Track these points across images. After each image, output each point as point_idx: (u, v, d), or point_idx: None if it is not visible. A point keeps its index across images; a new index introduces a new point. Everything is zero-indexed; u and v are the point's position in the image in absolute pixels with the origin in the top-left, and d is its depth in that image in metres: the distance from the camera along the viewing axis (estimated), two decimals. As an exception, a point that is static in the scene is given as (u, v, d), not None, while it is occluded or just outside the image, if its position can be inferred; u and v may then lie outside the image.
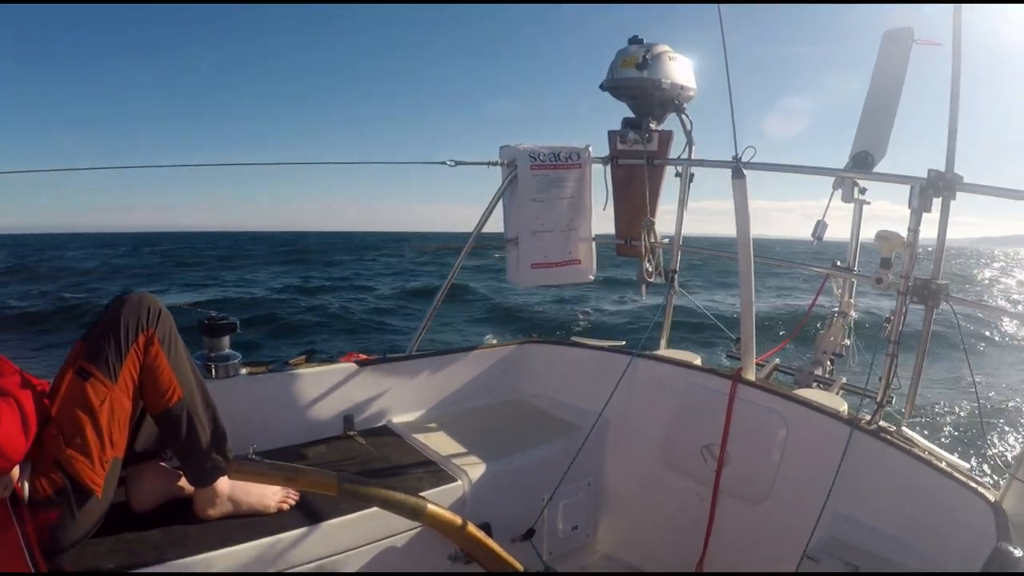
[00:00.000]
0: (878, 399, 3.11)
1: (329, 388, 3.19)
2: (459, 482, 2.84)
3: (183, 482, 2.40)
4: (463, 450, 3.11)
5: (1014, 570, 1.66)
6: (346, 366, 3.24)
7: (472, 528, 2.64)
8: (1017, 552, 1.67)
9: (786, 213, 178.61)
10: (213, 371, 2.89)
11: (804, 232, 3.65)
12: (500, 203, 3.69)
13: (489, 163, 3.68)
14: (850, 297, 4.14)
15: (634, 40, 3.62)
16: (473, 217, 3.74)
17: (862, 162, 3.37)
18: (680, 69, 3.62)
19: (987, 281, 41.20)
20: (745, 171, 3.08)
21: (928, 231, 2.92)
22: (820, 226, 3.98)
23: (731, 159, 3.09)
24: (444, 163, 3.53)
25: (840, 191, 3.70)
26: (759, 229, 3.35)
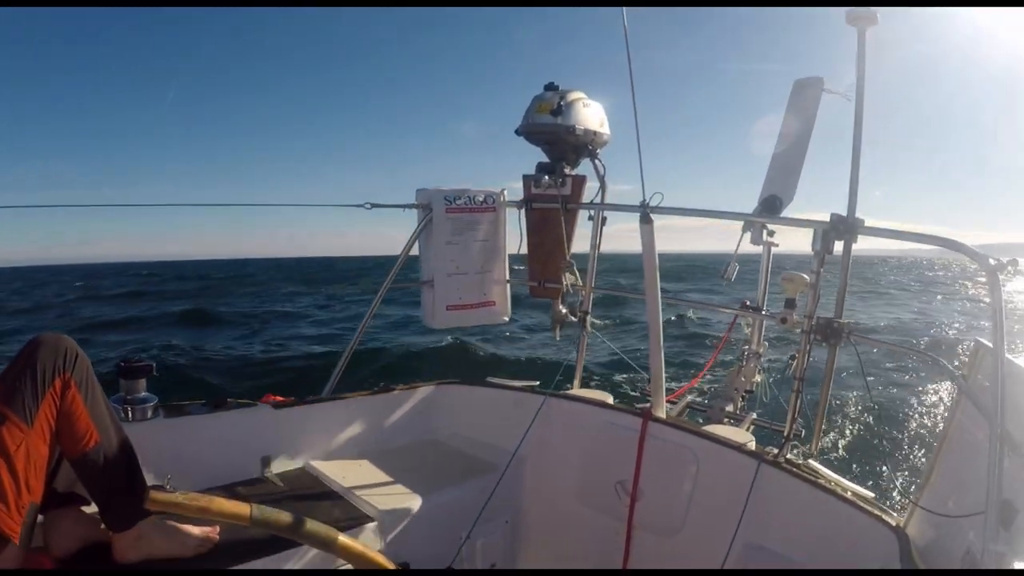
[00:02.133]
0: (784, 433, 3.30)
1: (246, 430, 3.21)
2: (376, 522, 2.88)
3: (102, 527, 2.40)
4: (381, 490, 3.15)
5: None
6: (263, 408, 3.27)
7: (384, 560, 2.64)
8: None
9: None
10: (129, 414, 2.90)
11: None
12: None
13: (405, 206, 3.81)
14: (760, 337, 4.41)
15: (550, 87, 3.76)
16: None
17: (770, 206, 3.56)
18: (593, 115, 3.77)
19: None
20: (653, 216, 3.22)
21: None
22: (731, 266, 4.25)
23: (639, 204, 3.21)
24: (362, 206, 3.64)
25: (750, 233, 3.92)
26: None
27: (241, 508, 2.29)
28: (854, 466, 8.53)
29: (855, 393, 9.39)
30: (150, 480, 2.41)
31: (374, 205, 3.67)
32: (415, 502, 3.08)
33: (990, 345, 2.35)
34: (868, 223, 3.04)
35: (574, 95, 3.72)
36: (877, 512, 2.65)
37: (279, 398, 3.46)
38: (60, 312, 32.97)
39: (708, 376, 4.54)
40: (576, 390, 4.10)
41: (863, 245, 3.07)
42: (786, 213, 3.57)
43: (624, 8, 3.07)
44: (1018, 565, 1.80)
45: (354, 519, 2.89)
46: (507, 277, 4.04)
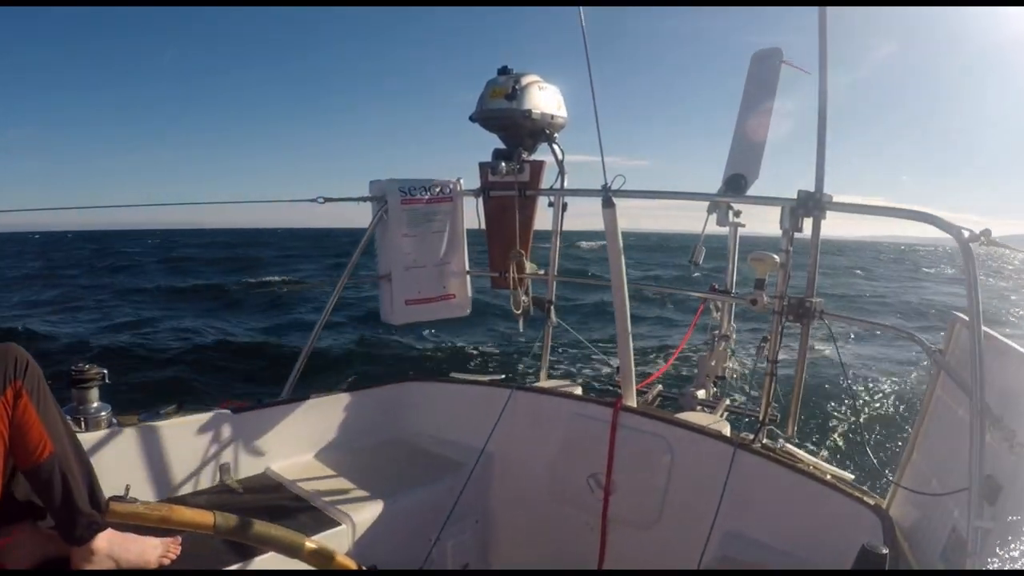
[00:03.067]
0: (760, 418, 3.31)
1: (204, 437, 3.18)
2: (343, 526, 2.88)
3: (59, 541, 2.35)
4: (346, 493, 3.14)
5: (879, 567, 1.83)
6: (221, 413, 3.23)
7: (353, 563, 2.63)
8: (883, 550, 1.83)
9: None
10: (83, 423, 2.86)
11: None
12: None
13: (359, 199, 3.76)
14: (730, 320, 4.40)
15: (503, 70, 3.72)
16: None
17: (735, 185, 3.56)
18: (549, 98, 3.73)
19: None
20: (616, 200, 3.21)
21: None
22: (698, 250, 4.23)
23: (601, 188, 3.20)
24: (314, 200, 3.61)
25: (716, 215, 3.93)
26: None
27: (204, 517, 2.27)
28: (832, 448, 8.59)
29: (830, 373, 9.46)
30: (108, 491, 2.33)
31: (327, 199, 3.65)
32: (382, 504, 3.06)
33: (967, 319, 2.34)
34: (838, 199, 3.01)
35: (529, 78, 3.68)
36: (858, 494, 2.66)
37: (237, 402, 3.43)
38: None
39: (678, 363, 4.44)
40: (543, 382, 4.09)
41: (896, 231, 3.02)
42: (753, 191, 3.57)
43: (581, 8, 3.08)
44: (1005, 545, 1.80)
45: (320, 523, 2.86)
46: (467, 268, 4.02)
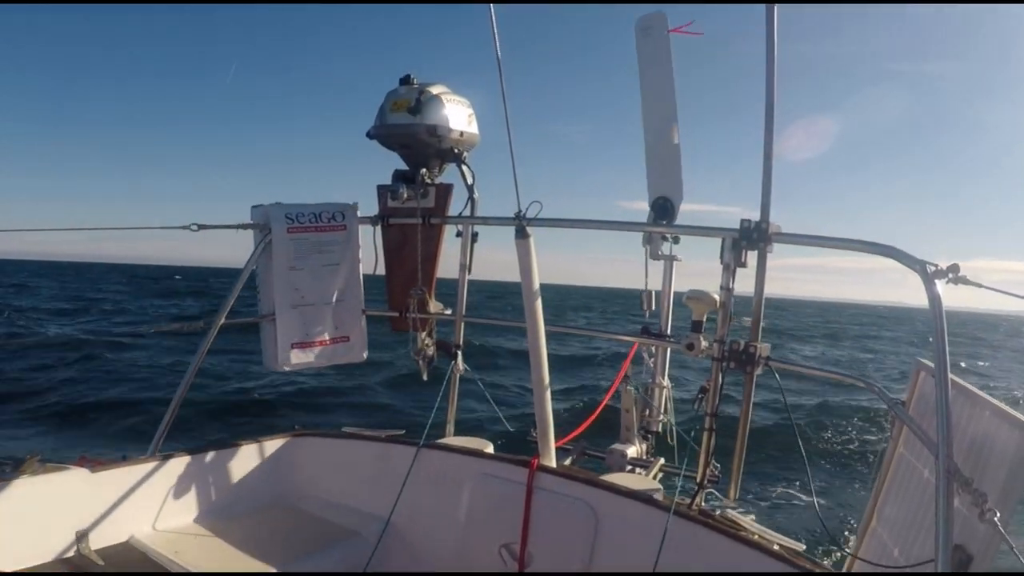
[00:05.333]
0: (698, 479, 3.18)
1: (57, 499, 2.94)
2: None
3: None
4: (224, 566, 2.99)
5: None
6: (77, 472, 3.01)
7: None
8: None
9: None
10: None
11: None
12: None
13: (238, 226, 3.57)
14: (665, 367, 4.24)
15: (405, 80, 3.58)
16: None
17: (662, 211, 3.46)
18: (459, 112, 3.60)
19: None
20: (530, 229, 3.09)
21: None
22: (646, 294, 4.05)
23: (513, 216, 3.07)
24: (188, 227, 3.47)
25: (649, 247, 3.84)
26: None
27: None
28: (781, 512, 8.41)
29: (779, 426, 9.37)
30: None
31: (201, 226, 3.53)
32: None
33: (931, 364, 2.33)
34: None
35: (435, 89, 3.58)
36: (810, 566, 2.53)
37: (96, 459, 3.23)
38: None
39: (607, 414, 4.40)
40: (450, 438, 3.95)
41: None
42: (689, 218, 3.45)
43: (491, 4, 3.01)
44: None
45: None
46: (363, 307, 3.84)
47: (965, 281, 2.32)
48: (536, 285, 3.17)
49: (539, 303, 3.20)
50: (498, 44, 2.97)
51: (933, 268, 2.29)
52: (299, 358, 3.67)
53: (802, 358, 25.87)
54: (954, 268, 2.28)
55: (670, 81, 3.50)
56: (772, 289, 3.12)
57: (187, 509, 3.39)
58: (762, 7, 2.89)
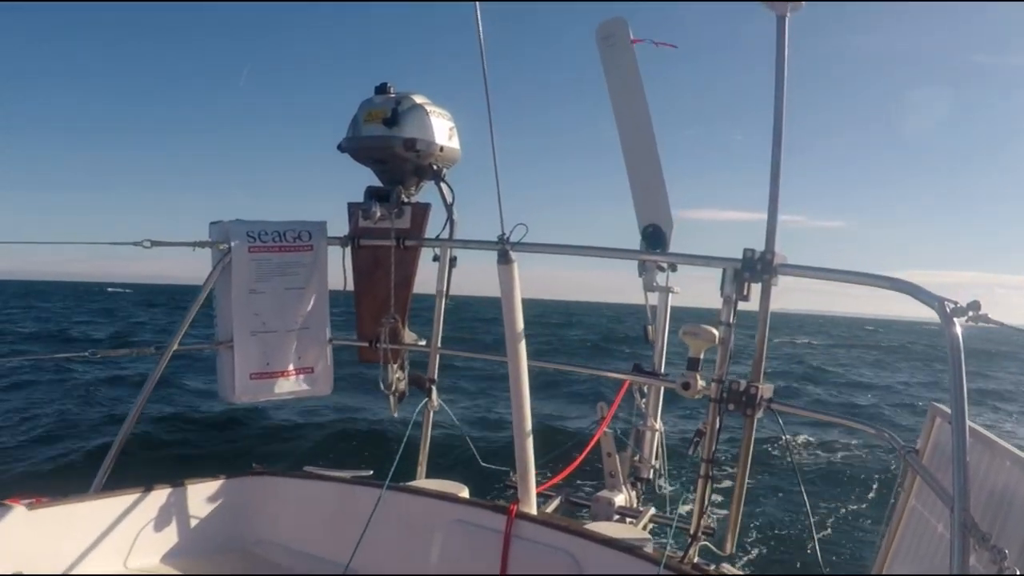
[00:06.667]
0: (691, 531, 3.08)
1: None
2: None
3: None
4: None
5: None
6: (11, 509, 2.94)
7: None
8: None
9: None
10: None
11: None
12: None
13: (195, 243, 3.48)
14: (658, 408, 4.11)
15: (381, 89, 3.47)
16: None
17: (653, 240, 3.41)
18: (440, 125, 3.50)
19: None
20: (514, 253, 2.99)
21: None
22: (652, 329, 4.00)
23: (497, 239, 2.98)
24: (140, 244, 3.38)
25: (644, 278, 3.74)
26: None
27: None
28: (781, 567, 8.23)
29: (780, 472, 9.21)
30: None
31: (154, 243, 3.40)
32: None
33: (947, 410, 2.28)
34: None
35: (415, 99, 3.49)
36: None
37: (33, 496, 3.11)
38: None
39: (594, 458, 4.25)
40: (421, 480, 3.83)
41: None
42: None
43: (477, 3, 2.91)
44: None
45: None
46: (329, 336, 3.75)
47: (986, 320, 2.26)
48: (519, 316, 3.09)
49: (522, 335, 3.11)
50: (483, 46, 2.86)
51: (952, 305, 2.23)
52: (258, 390, 3.59)
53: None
54: (975, 306, 2.23)
55: (641, 94, 3.50)
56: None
57: (131, 552, 3.28)
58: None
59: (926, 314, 2.36)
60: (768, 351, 2.99)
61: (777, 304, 2.94)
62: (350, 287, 3.80)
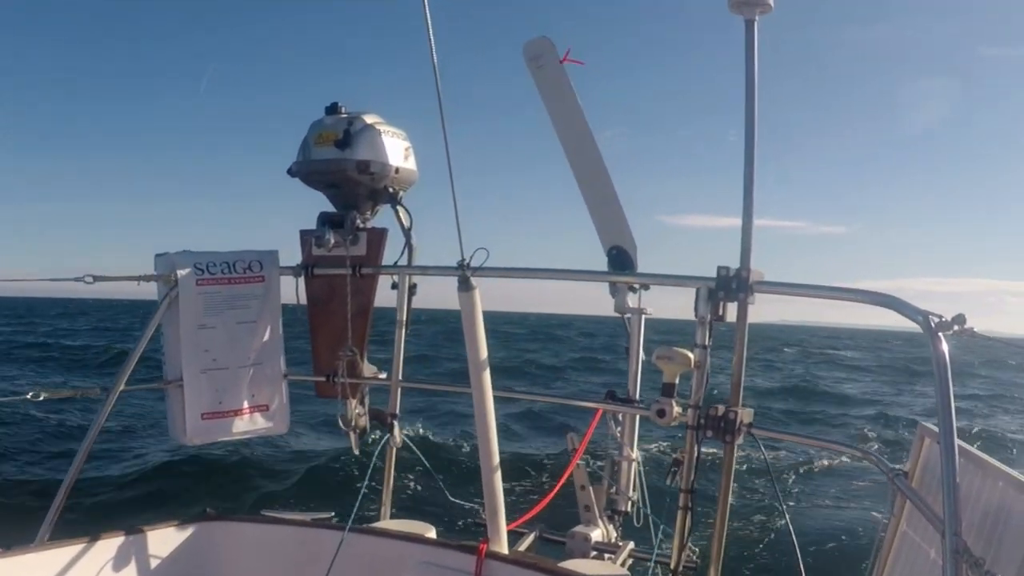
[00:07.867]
0: (672, 566, 3.07)
1: None
2: None
3: None
4: None
5: None
6: None
7: None
8: None
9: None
10: None
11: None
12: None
13: (139, 278, 3.44)
14: (634, 436, 4.07)
15: (332, 109, 3.43)
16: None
17: (618, 262, 3.38)
18: (395, 146, 3.46)
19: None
20: (474, 280, 2.97)
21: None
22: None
23: (457, 265, 2.94)
24: (81, 279, 3.37)
25: (615, 299, 3.71)
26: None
27: None
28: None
29: (763, 500, 9.16)
30: None
31: (96, 278, 3.40)
32: None
33: (936, 429, 2.26)
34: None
35: (368, 119, 3.45)
36: None
37: None
38: None
39: (568, 491, 4.17)
40: (385, 522, 3.80)
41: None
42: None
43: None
44: None
45: None
46: (284, 371, 3.71)
47: (972, 334, 2.26)
48: (483, 345, 3.06)
49: (487, 364, 3.07)
50: (435, 54, 2.78)
51: (937, 319, 2.23)
52: (210, 431, 3.55)
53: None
54: (960, 319, 2.22)
55: (579, 114, 3.51)
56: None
57: None
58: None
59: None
60: (758, 367, 2.97)
61: (774, 316, 2.93)
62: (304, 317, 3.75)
